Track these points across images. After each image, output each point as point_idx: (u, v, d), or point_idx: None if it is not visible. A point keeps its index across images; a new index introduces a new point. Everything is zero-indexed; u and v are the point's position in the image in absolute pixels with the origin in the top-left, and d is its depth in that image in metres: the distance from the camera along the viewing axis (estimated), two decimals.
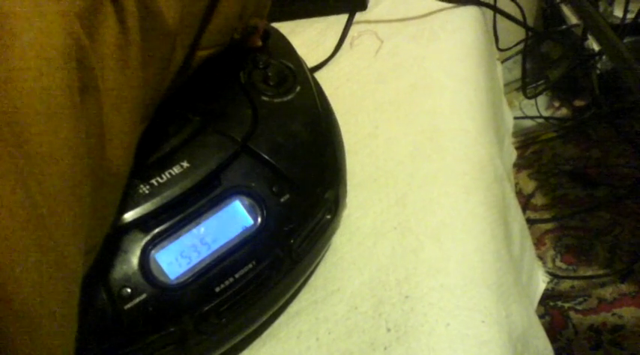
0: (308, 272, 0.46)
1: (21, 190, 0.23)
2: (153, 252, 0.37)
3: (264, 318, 0.44)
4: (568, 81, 1.59)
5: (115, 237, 0.36)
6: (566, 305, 1.16)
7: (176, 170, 0.39)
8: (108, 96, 0.29)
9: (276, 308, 0.44)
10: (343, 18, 0.78)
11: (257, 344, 0.45)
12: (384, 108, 0.62)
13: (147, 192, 0.38)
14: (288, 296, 0.45)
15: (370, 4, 0.81)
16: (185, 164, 0.40)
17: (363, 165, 0.56)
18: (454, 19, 0.74)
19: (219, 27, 0.41)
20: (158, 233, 0.38)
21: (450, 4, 0.76)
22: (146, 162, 0.39)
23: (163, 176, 0.39)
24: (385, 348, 0.42)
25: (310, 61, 0.53)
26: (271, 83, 0.46)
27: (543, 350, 0.53)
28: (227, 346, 0.42)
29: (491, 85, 0.71)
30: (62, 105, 0.25)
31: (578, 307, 1.15)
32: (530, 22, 1.43)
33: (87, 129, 0.27)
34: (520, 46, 1.41)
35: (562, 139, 1.53)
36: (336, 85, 0.55)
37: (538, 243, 1.28)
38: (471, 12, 0.76)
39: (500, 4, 0.91)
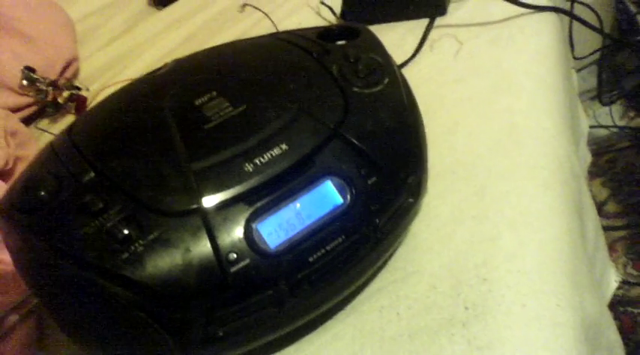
0: (390, 251, 0.50)
1: None
2: (256, 222, 0.42)
3: (351, 289, 0.47)
4: None
5: (224, 209, 0.41)
6: (636, 311, 1.15)
7: (276, 151, 0.44)
8: None
9: (361, 281, 0.48)
10: (422, 23, 0.80)
11: (341, 315, 0.49)
12: (463, 106, 0.65)
13: (251, 170, 0.42)
14: (371, 271, 0.48)
15: (450, 10, 0.83)
16: (284, 146, 0.44)
17: (442, 158, 0.59)
18: (532, 24, 0.76)
19: None
20: (260, 206, 0.42)
21: (528, 10, 0.78)
22: (250, 144, 0.44)
23: (265, 156, 0.43)
24: (463, 324, 0.45)
25: None
26: (361, 75, 0.50)
27: (614, 342, 0.54)
28: (317, 312, 0.46)
29: (568, 87, 0.72)
30: None
31: None
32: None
33: None
34: (595, 56, 1.39)
35: (637, 149, 1.51)
36: (417, 84, 0.58)
37: (610, 249, 1.26)
38: (548, 18, 0.77)
39: (577, 13, 0.91)
